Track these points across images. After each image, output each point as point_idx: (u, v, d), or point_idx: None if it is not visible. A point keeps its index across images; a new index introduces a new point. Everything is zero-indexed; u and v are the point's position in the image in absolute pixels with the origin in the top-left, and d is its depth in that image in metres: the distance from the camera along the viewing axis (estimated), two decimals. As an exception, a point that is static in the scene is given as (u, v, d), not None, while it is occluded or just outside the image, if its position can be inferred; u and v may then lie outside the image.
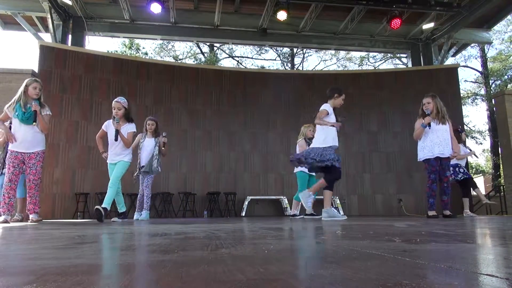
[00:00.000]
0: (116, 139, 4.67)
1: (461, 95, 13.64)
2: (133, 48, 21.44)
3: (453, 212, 4.97)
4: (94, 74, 8.38)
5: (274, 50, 22.51)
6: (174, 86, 9.05)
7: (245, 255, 1.08)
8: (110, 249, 1.50)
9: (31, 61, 49.10)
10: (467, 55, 21.05)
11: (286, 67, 23.10)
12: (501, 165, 13.99)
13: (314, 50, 20.97)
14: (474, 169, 25.77)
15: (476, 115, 58.81)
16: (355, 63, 23.02)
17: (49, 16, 8.45)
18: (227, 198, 8.45)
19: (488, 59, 21.03)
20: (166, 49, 22.21)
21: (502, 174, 13.05)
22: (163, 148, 5.80)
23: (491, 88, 20.50)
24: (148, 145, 5.69)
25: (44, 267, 0.89)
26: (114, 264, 0.99)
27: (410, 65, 10.87)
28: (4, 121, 4.48)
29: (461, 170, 6.35)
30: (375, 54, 21.33)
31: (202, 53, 22.74)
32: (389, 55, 20.72)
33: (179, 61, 21.00)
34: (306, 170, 5.51)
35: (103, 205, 4.43)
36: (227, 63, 23.85)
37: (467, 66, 21.41)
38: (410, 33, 10.27)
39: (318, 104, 4.74)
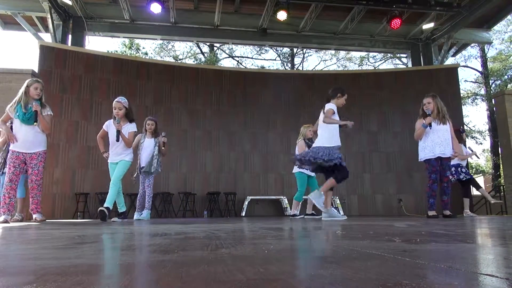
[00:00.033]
0: (117, 140, 4.67)
1: (461, 95, 13.65)
2: (133, 48, 21.43)
3: (453, 212, 4.97)
4: (94, 74, 8.38)
5: (274, 50, 22.50)
6: (174, 86, 9.04)
7: (245, 255, 1.08)
8: (110, 249, 1.49)
9: (31, 61, 49.16)
10: (467, 55, 21.09)
11: (286, 67, 23.09)
12: (501, 165, 13.99)
13: (314, 50, 20.96)
14: (474, 169, 25.78)
15: (476, 115, 58.87)
16: (355, 63, 23.03)
17: (49, 16, 8.45)
18: (227, 198, 8.45)
19: (488, 59, 21.03)
20: (166, 49, 22.21)
21: (502, 174, 13.05)
22: (163, 148, 5.79)
23: (491, 88, 20.50)
24: (148, 146, 5.67)
25: (44, 267, 0.89)
26: (114, 264, 0.99)
27: (410, 65, 10.86)
28: (5, 122, 4.49)
29: (463, 170, 6.38)
30: (375, 54, 21.33)
31: (202, 53, 22.74)
32: (389, 55, 20.71)
33: (179, 61, 21.00)
34: (305, 171, 5.51)
35: (105, 205, 4.45)
36: (227, 63, 23.88)
37: (467, 66, 21.43)
38: (410, 33, 10.27)
39: (318, 104, 4.73)
